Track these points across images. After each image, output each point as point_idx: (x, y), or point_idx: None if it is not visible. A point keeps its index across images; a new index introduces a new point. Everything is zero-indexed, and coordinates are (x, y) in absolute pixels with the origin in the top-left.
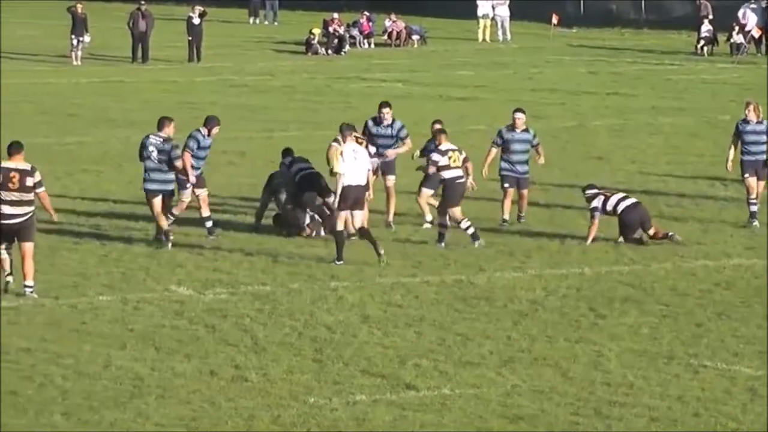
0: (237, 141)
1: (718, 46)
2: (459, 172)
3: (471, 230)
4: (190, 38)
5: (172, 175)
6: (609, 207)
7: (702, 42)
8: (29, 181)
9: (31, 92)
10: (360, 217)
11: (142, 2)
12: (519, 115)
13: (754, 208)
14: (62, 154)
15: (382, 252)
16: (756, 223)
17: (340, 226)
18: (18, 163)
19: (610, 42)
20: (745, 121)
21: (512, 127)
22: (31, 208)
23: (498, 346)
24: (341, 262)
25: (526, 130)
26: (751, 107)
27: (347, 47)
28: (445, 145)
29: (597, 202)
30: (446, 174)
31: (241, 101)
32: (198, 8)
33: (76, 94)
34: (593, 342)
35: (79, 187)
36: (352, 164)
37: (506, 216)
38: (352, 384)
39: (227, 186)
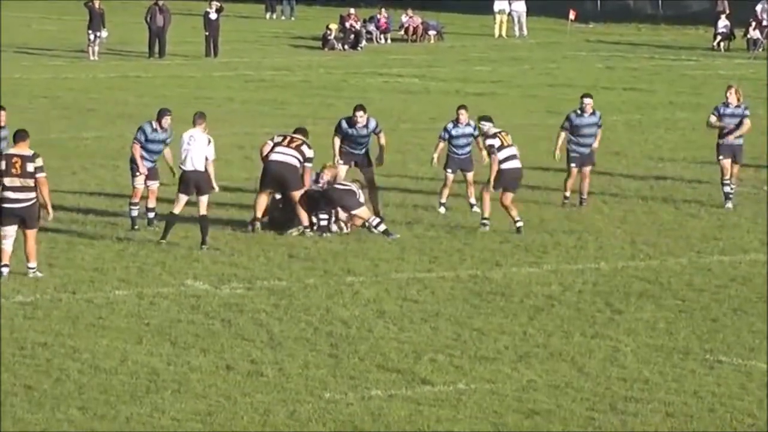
0: (254, 136)
1: (734, 42)
2: None
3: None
4: (207, 33)
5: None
6: (500, 156)
7: (719, 37)
8: (30, 167)
9: (48, 87)
10: (205, 204)
11: None
12: (588, 100)
13: (727, 189)
14: (79, 149)
15: (205, 246)
16: (729, 204)
17: (175, 209)
18: (21, 149)
19: (627, 37)
20: (726, 104)
21: (581, 112)
22: (34, 194)
23: (514, 341)
24: (164, 241)
25: (593, 113)
26: (732, 90)
27: (364, 42)
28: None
29: (495, 142)
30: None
31: (258, 96)
32: (215, 3)
33: (93, 89)
34: (609, 337)
35: (96, 182)
36: (188, 150)
37: (568, 194)
38: (367, 379)
39: (244, 181)
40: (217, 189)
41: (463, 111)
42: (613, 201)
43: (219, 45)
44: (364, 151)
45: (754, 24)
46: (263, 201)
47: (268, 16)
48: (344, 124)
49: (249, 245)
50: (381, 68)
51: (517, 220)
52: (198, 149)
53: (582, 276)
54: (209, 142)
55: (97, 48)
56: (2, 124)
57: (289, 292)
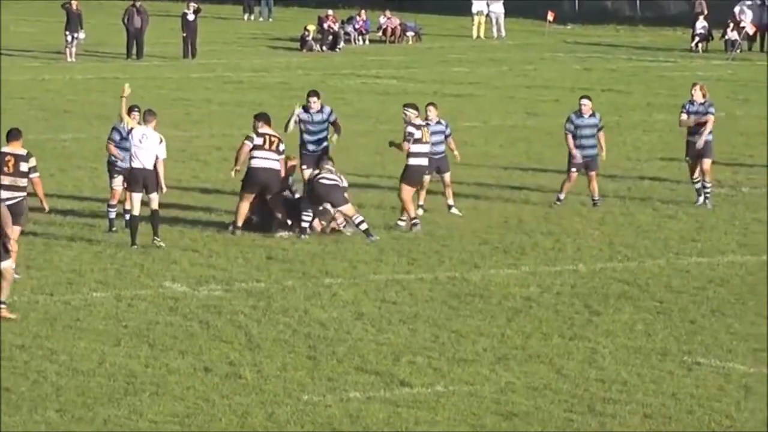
0: (232, 138)
1: (712, 43)
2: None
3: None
4: (184, 35)
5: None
6: (413, 148)
7: (697, 39)
8: (23, 166)
9: (25, 89)
10: (156, 200)
11: None
12: (585, 101)
13: (698, 186)
14: (57, 151)
15: (157, 241)
16: (706, 203)
17: (134, 211)
18: (14, 148)
19: (606, 39)
20: (691, 102)
21: (580, 113)
22: (23, 194)
23: (492, 343)
24: (136, 246)
25: (593, 115)
26: (697, 87)
27: (342, 44)
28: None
29: (416, 133)
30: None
31: (236, 98)
32: (192, 4)
33: (70, 91)
34: (587, 339)
35: (74, 183)
36: (139, 147)
37: (562, 196)
38: (346, 381)
39: (222, 182)
40: (164, 189)
41: (431, 108)
42: (591, 202)
43: (197, 46)
44: (322, 147)
45: (731, 25)
46: (245, 208)
47: (245, 17)
48: (301, 111)
49: (227, 247)
50: (359, 69)
51: (413, 219)
52: (149, 147)
53: (560, 278)
54: (161, 141)
55: (74, 49)
56: None
57: (268, 293)
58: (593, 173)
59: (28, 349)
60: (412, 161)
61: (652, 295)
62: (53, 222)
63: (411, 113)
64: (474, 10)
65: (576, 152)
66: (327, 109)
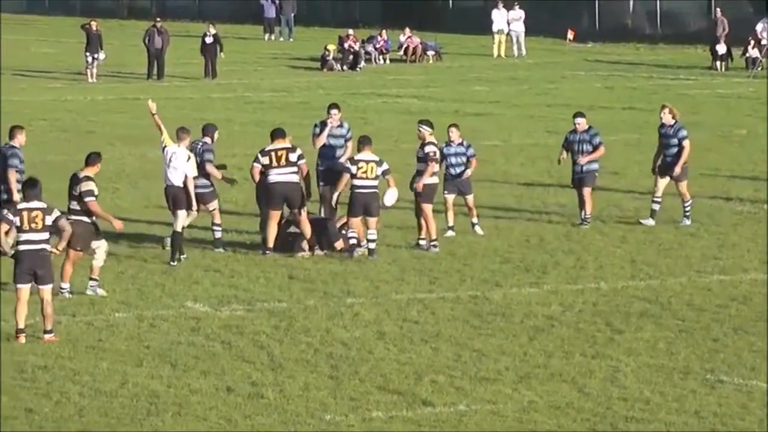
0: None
1: (732, 61)
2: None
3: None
4: (203, 56)
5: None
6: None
7: (717, 57)
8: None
9: (47, 110)
10: (180, 219)
11: (158, 19)
12: (579, 119)
13: (655, 207)
14: None
15: (176, 260)
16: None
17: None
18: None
19: (626, 57)
20: (662, 125)
21: (574, 131)
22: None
23: (514, 361)
24: (174, 263)
25: (586, 131)
26: (666, 110)
27: (362, 63)
28: (362, 155)
29: (437, 150)
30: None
31: (256, 118)
32: (212, 28)
33: (92, 112)
34: (609, 357)
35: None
36: (168, 166)
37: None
38: (368, 401)
39: (243, 203)
40: (195, 208)
41: (453, 129)
42: (612, 221)
43: (217, 67)
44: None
45: (752, 43)
46: (274, 228)
47: (266, 37)
48: (318, 123)
49: (249, 267)
50: (380, 89)
51: (433, 240)
52: (178, 166)
53: (582, 296)
54: (188, 158)
55: (95, 70)
56: None
57: (290, 313)
58: (585, 190)
59: (51, 369)
60: (428, 180)
61: (674, 313)
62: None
63: (425, 130)
64: (494, 28)
65: (563, 159)
66: (346, 125)
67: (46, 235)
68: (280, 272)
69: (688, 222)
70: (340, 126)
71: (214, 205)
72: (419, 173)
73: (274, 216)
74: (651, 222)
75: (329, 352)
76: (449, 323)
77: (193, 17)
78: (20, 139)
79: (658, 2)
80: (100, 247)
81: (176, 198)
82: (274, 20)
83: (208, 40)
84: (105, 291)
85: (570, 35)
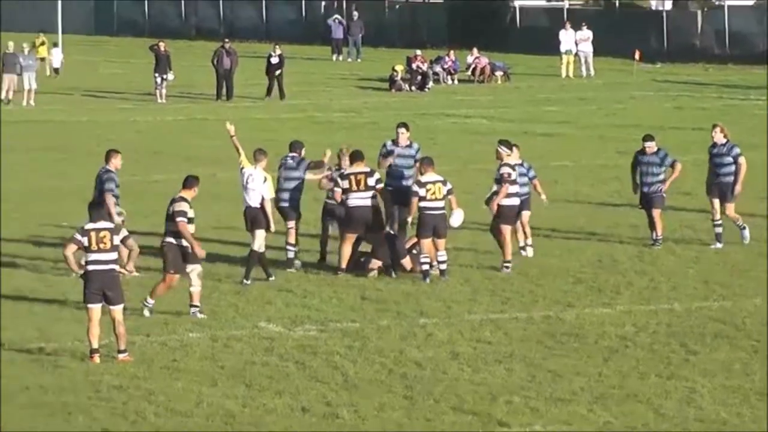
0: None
1: None
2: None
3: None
4: (268, 76)
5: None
6: (511, 189)
7: None
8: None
9: (116, 130)
10: (258, 239)
11: (227, 40)
12: (649, 143)
13: (719, 230)
14: (149, 192)
15: (247, 281)
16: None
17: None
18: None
19: (695, 77)
20: (713, 145)
21: (643, 152)
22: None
23: (589, 382)
24: (248, 282)
25: (656, 153)
26: (718, 129)
27: (431, 83)
28: (427, 177)
29: (512, 172)
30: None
31: (326, 138)
32: (277, 48)
33: (160, 132)
34: (685, 378)
35: None
36: (246, 188)
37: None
38: (443, 421)
39: (315, 222)
40: (273, 228)
41: (514, 149)
42: (684, 241)
43: (284, 88)
44: (407, 184)
45: None
46: (348, 250)
47: (334, 57)
48: (388, 143)
49: (321, 287)
50: (448, 109)
51: (506, 261)
52: (255, 188)
53: (656, 317)
54: (265, 180)
55: (164, 91)
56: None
57: (363, 333)
58: (655, 211)
59: (126, 390)
60: (506, 201)
61: (749, 333)
62: (148, 263)
63: (503, 151)
64: (562, 49)
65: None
66: (416, 145)
67: (114, 255)
68: (352, 292)
69: (720, 245)
70: (409, 146)
71: (291, 223)
72: (495, 194)
73: (350, 238)
74: (719, 245)
75: (403, 372)
76: (522, 344)
77: (261, 38)
78: (115, 163)
79: (726, 22)
80: (194, 270)
81: (255, 219)
82: (342, 41)
83: (274, 60)
84: (206, 316)
85: (638, 55)
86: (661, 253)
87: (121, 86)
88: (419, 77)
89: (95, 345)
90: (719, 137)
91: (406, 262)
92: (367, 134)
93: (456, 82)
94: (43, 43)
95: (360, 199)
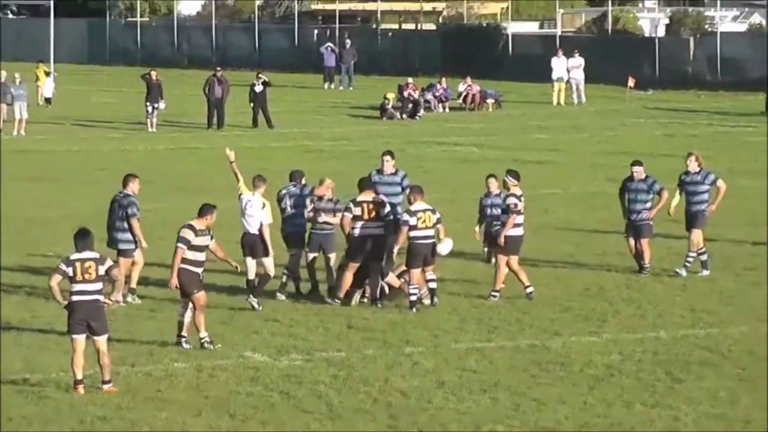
0: None
1: None
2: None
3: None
4: (252, 105)
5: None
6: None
7: None
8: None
9: (107, 160)
10: (269, 265)
11: (218, 68)
12: (636, 168)
13: (703, 258)
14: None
15: (253, 301)
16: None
17: (249, 275)
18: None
19: (686, 104)
20: (686, 173)
21: (630, 178)
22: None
23: (574, 411)
24: (259, 307)
25: (644, 180)
26: (693, 157)
27: (422, 111)
28: (417, 205)
29: (519, 203)
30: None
31: (317, 167)
32: (261, 76)
33: (152, 161)
34: (670, 407)
35: (156, 254)
36: (245, 214)
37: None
38: None
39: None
40: (271, 253)
41: (492, 180)
42: (672, 269)
43: (270, 116)
44: (396, 212)
45: None
46: (349, 279)
47: (326, 86)
48: (373, 173)
49: (307, 316)
50: (439, 137)
51: (495, 289)
52: (254, 214)
53: (642, 345)
54: (264, 206)
55: (155, 119)
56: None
57: (348, 363)
58: (643, 240)
59: (111, 420)
60: (513, 232)
61: (735, 362)
62: (135, 292)
63: (511, 181)
64: (554, 76)
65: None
66: (402, 173)
67: (99, 286)
68: (338, 321)
69: (706, 272)
70: (395, 174)
71: (294, 251)
72: (502, 224)
73: (353, 267)
74: (706, 272)
75: (388, 401)
76: (508, 372)
77: (253, 66)
78: (133, 187)
79: (718, 49)
80: (197, 300)
81: (254, 245)
82: (334, 69)
83: (258, 88)
84: (214, 346)
85: (630, 83)
86: (649, 281)
87: (113, 115)
88: (410, 105)
89: (79, 376)
90: (693, 165)
91: (393, 279)
92: (358, 162)
93: (447, 110)
94: (47, 73)
95: (369, 229)
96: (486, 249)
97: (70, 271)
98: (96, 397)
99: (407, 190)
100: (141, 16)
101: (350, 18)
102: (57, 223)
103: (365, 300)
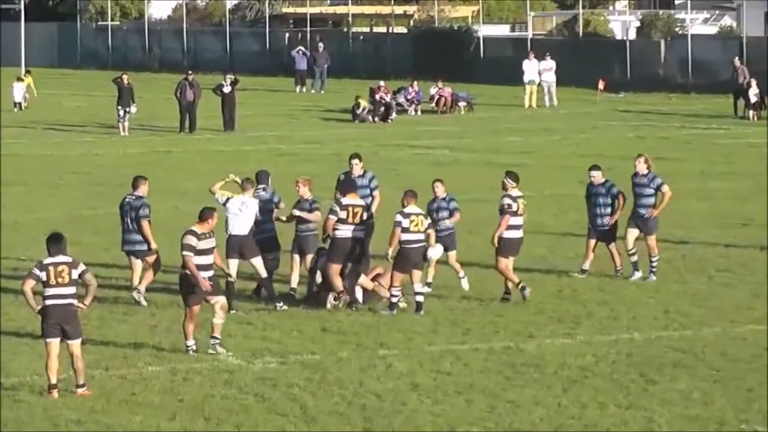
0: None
1: (765, 110)
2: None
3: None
4: (221, 107)
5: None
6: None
7: (750, 106)
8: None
9: (79, 163)
10: (260, 266)
11: (190, 72)
12: (593, 173)
13: (634, 259)
14: (111, 225)
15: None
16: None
17: (231, 277)
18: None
19: (658, 106)
20: (635, 174)
21: (591, 184)
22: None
23: (548, 413)
24: (233, 311)
25: (603, 184)
26: (642, 159)
27: (394, 114)
28: (410, 209)
29: (512, 203)
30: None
31: (289, 170)
32: (229, 76)
33: (124, 165)
34: (644, 408)
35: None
36: (237, 215)
37: (585, 266)
38: None
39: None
40: (259, 254)
41: (438, 184)
42: (645, 270)
43: (235, 118)
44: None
45: None
46: (339, 281)
47: (298, 89)
48: (341, 176)
49: (281, 319)
50: (411, 140)
51: (519, 283)
52: (248, 215)
53: (616, 347)
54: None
55: (127, 123)
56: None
57: (323, 365)
58: (611, 246)
59: (85, 424)
60: (508, 234)
61: (709, 363)
62: (108, 296)
63: (510, 183)
64: (525, 79)
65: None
66: (369, 174)
67: (72, 290)
68: (312, 324)
69: (653, 278)
70: (362, 176)
71: (274, 254)
72: (498, 226)
73: (337, 269)
74: (638, 275)
75: (362, 404)
76: (482, 375)
77: (224, 70)
78: (144, 189)
79: (689, 51)
80: (218, 303)
81: (244, 246)
82: (306, 72)
83: (226, 89)
84: (225, 350)
85: (601, 85)
86: (622, 284)
87: (84, 119)
88: (382, 108)
89: (53, 380)
90: (642, 167)
91: (367, 282)
92: (331, 165)
93: (419, 112)
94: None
95: (352, 232)
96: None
97: (43, 275)
98: (70, 400)
99: (375, 192)
100: (112, 20)
101: (321, 21)
102: (29, 227)
103: (338, 302)
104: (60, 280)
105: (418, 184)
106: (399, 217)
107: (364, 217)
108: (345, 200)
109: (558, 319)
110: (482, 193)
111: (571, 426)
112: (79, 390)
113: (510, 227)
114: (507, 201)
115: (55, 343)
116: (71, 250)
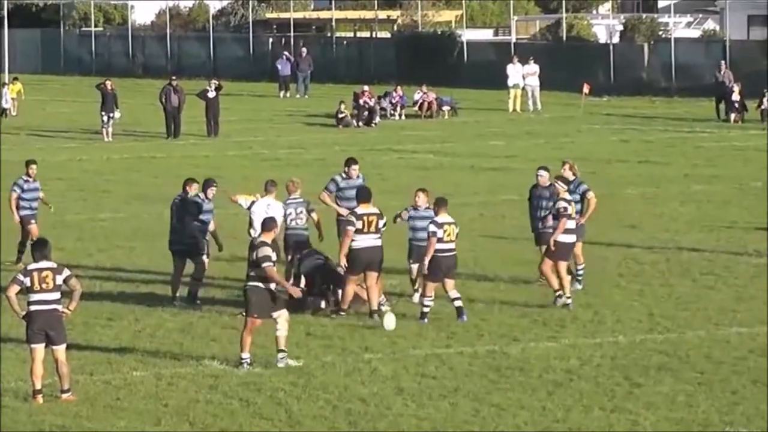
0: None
1: (748, 113)
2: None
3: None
4: (206, 112)
5: None
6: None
7: (732, 109)
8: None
9: (63, 169)
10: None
11: (174, 77)
12: (542, 172)
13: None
14: (95, 231)
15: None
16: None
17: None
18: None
19: (641, 110)
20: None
21: (535, 185)
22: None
23: (533, 416)
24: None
25: (547, 187)
26: (567, 165)
27: (378, 119)
28: (442, 218)
29: (569, 207)
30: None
31: (273, 175)
32: (213, 81)
33: (108, 171)
34: (629, 411)
35: (112, 262)
36: (263, 215)
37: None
38: None
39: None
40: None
41: (420, 194)
42: (629, 274)
43: (218, 124)
44: None
45: None
46: (352, 291)
47: (281, 94)
48: (338, 178)
49: (266, 324)
50: (395, 145)
51: (557, 290)
52: (276, 215)
53: (600, 350)
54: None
55: (110, 129)
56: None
57: (307, 370)
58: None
59: (69, 429)
60: (563, 238)
61: (693, 366)
62: (92, 301)
63: (561, 187)
64: (510, 83)
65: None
66: (362, 176)
67: (57, 295)
68: (297, 329)
69: (579, 286)
70: (358, 178)
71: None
72: (553, 229)
73: (354, 280)
74: (578, 287)
75: (347, 408)
76: (467, 378)
77: (208, 75)
78: (196, 190)
79: (672, 55)
80: (281, 316)
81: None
82: (289, 77)
83: (211, 94)
84: (297, 361)
85: (585, 89)
86: (606, 287)
87: (68, 125)
88: (366, 113)
89: (38, 385)
90: (568, 174)
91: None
92: (315, 170)
93: (403, 117)
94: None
95: (369, 241)
96: (411, 264)
97: (27, 281)
98: (55, 406)
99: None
100: (95, 26)
101: (305, 26)
102: (13, 233)
103: (324, 307)
104: (44, 285)
105: (403, 188)
106: (433, 227)
107: (380, 225)
108: (360, 210)
109: (542, 322)
110: (466, 198)
111: (556, 429)
112: (64, 395)
113: (566, 231)
114: (563, 204)
115: (39, 348)
116: (55, 256)
